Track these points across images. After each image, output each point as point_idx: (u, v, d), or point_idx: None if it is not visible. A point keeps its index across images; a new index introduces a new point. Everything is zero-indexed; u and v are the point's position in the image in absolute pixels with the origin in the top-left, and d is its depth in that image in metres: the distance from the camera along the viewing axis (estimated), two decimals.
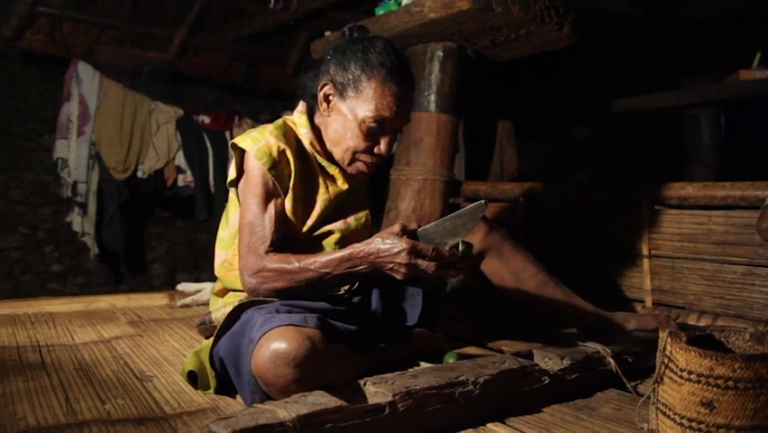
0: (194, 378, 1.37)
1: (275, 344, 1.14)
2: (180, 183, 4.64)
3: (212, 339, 1.39)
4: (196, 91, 5.07)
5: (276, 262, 1.37)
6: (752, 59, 3.55)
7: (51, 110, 4.32)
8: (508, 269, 1.76)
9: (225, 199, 1.62)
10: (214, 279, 1.71)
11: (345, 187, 1.55)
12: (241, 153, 1.47)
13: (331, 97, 1.48)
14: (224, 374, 1.32)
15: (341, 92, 1.45)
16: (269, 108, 5.24)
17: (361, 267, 1.36)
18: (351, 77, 1.44)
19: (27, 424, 1.15)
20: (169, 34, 4.48)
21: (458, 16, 2.15)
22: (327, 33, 2.68)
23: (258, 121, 5.06)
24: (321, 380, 1.15)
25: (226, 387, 1.33)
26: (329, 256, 1.36)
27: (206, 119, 4.79)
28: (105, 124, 4.30)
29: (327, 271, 1.36)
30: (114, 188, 4.38)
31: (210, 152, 4.71)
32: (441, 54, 2.51)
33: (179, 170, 4.63)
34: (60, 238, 4.49)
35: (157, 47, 4.54)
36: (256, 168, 1.42)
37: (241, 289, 1.47)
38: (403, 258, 1.31)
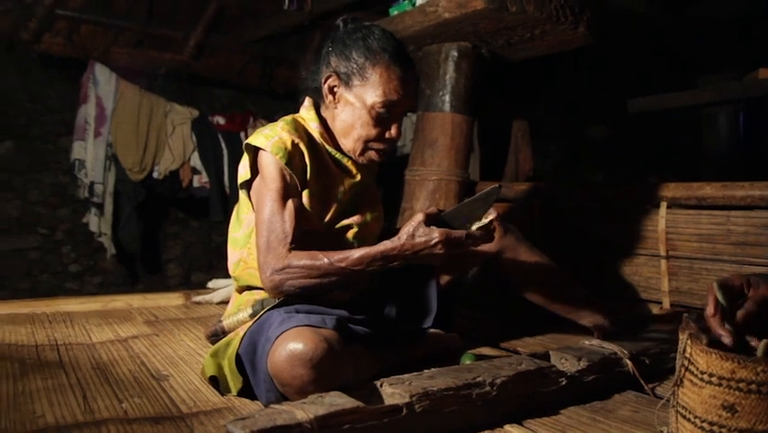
0: (215, 382, 1.36)
1: (291, 344, 1.14)
2: (195, 184, 4.67)
3: (228, 338, 1.39)
4: (211, 92, 5.09)
5: (303, 258, 1.33)
6: None
7: (69, 112, 4.36)
8: (523, 269, 1.74)
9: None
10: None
11: (359, 179, 1.54)
12: (254, 153, 1.45)
13: (336, 89, 1.48)
14: (243, 373, 1.31)
15: (346, 82, 1.46)
16: (283, 109, 5.24)
17: (395, 263, 1.35)
18: (355, 65, 1.45)
19: (46, 422, 1.16)
20: (185, 36, 4.50)
21: (473, 16, 2.14)
22: None
23: (273, 122, 5.06)
24: (337, 381, 1.14)
25: (244, 387, 1.33)
26: (361, 253, 1.34)
27: (221, 120, 4.81)
28: (121, 126, 4.33)
29: (360, 268, 1.33)
30: (130, 188, 4.41)
31: (225, 152, 4.72)
32: (455, 54, 2.50)
33: (195, 171, 4.65)
34: (78, 239, 4.53)
35: (173, 48, 4.57)
36: (272, 164, 1.40)
37: (257, 286, 1.45)
38: (440, 249, 1.32)
